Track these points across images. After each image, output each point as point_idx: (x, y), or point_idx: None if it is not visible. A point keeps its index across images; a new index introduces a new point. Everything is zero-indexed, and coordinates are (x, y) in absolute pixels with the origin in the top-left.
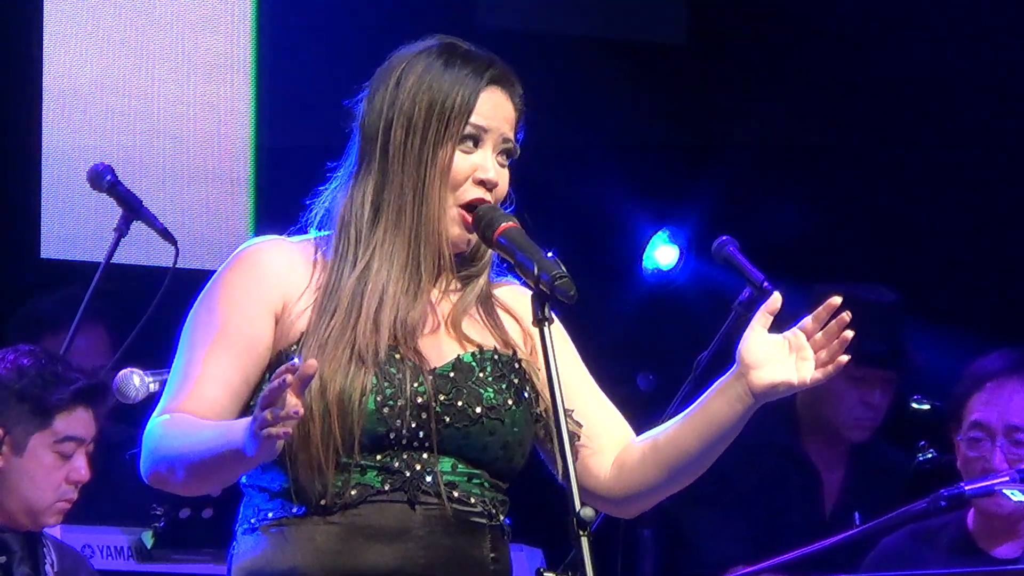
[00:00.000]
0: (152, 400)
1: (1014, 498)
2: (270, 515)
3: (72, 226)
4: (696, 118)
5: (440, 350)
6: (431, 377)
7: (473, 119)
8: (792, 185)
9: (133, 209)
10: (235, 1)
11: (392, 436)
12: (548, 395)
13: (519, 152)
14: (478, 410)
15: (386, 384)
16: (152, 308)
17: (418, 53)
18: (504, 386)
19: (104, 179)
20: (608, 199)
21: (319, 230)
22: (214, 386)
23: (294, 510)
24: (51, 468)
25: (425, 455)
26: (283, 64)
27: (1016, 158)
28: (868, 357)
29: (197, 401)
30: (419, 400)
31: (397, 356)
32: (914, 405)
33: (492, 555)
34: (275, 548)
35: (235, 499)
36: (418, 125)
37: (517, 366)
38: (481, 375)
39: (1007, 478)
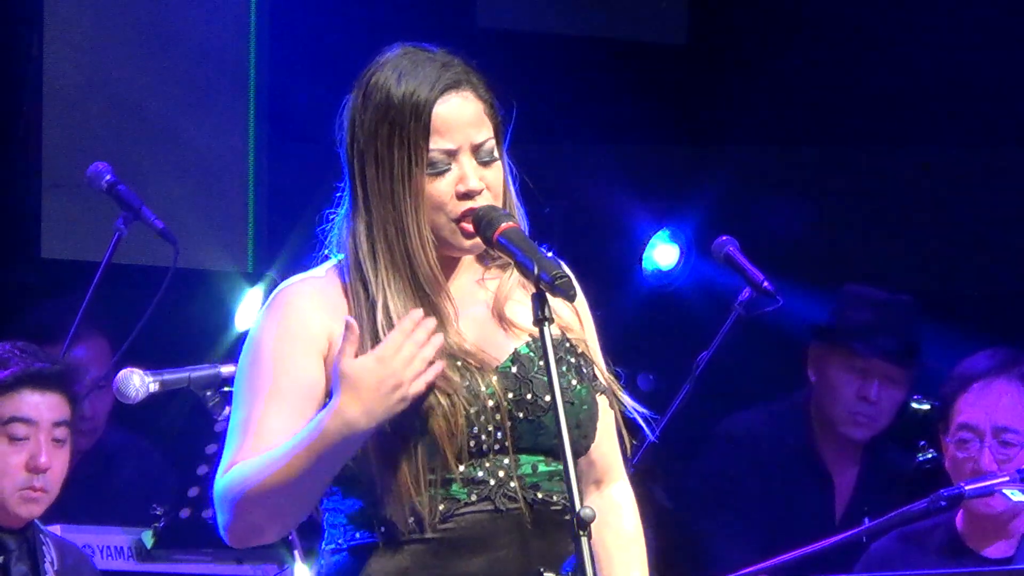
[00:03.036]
0: (152, 400)
1: (1014, 498)
2: (358, 535)
3: (72, 226)
4: (696, 118)
5: (496, 345)
6: (495, 377)
7: (434, 144)
8: (792, 185)
9: (133, 209)
10: (236, 0)
11: (473, 444)
12: (595, 371)
13: (499, 148)
14: (547, 398)
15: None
16: (152, 308)
17: (375, 74)
18: (564, 368)
19: (104, 179)
20: (608, 199)
21: (336, 253)
22: (274, 436)
23: (382, 529)
24: (5, 453)
25: (506, 460)
26: (283, 63)
27: (1017, 157)
28: (879, 351)
29: (259, 450)
30: (490, 403)
31: (459, 364)
32: (914, 405)
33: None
34: (363, 570)
35: None
36: (384, 158)
37: (569, 345)
38: (541, 363)
39: (1007, 478)
